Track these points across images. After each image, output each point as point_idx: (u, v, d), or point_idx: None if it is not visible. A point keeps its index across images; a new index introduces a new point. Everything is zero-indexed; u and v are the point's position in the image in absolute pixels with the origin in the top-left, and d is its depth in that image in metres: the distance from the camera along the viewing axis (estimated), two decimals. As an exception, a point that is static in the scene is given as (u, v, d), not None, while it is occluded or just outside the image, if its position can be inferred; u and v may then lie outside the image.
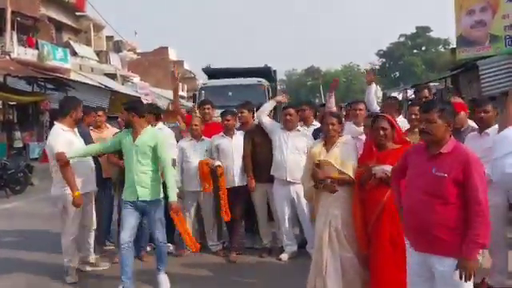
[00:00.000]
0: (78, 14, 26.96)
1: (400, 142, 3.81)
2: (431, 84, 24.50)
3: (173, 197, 4.44)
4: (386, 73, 60.57)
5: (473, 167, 2.65)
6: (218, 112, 10.26)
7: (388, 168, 3.54)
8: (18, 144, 16.15)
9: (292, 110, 5.47)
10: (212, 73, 15.21)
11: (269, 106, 5.78)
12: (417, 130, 3.87)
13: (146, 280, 4.81)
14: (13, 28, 17.78)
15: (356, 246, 3.92)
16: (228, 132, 5.77)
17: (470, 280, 2.64)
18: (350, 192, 3.97)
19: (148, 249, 5.70)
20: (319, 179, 4.02)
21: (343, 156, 4.05)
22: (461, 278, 2.63)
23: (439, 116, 2.77)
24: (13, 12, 17.45)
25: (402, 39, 62.46)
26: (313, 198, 4.26)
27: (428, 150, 2.85)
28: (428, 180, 2.76)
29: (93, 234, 5.30)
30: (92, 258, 5.33)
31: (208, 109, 6.32)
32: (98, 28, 30.39)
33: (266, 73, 14.50)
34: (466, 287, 2.70)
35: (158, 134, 4.63)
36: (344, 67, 70.23)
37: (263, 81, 13.21)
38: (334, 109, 5.59)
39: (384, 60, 63.87)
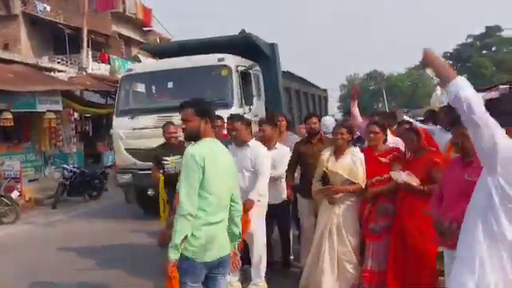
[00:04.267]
0: (145, 29, 28.43)
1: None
2: (501, 86, 23.25)
3: None
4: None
5: None
6: (145, 119, 8.12)
7: (403, 176, 3.86)
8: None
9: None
10: (159, 51, 10.30)
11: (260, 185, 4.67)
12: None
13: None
14: (88, 45, 19.18)
15: (354, 241, 4.32)
16: (266, 143, 5.05)
17: None
18: (354, 194, 4.35)
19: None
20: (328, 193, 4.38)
21: (351, 165, 4.33)
22: None
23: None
24: (88, 31, 18.82)
25: (470, 40, 59.93)
26: (319, 198, 4.58)
27: (463, 160, 3.10)
28: (460, 184, 2.98)
29: None
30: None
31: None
32: (164, 42, 31.81)
33: (247, 46, 8.73)
34: None
35: None
36: (408, 70, 68.25)
37: (229, 59, 8.06)
38: (359, 119, 5.23)
39: (451, 62, 61.56)
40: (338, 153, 4.44)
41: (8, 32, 19.36)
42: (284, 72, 10.41)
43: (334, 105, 54.92)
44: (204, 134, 2.98)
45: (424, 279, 3.86)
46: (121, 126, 8.57)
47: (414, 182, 3.81)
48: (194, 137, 3.01)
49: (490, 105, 2.45)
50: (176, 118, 7.19)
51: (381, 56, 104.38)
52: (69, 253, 6.75)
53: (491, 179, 2.16)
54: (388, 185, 4.15)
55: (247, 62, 8.53)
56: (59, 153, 14.14)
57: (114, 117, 8.90)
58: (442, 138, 4.93)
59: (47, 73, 16.01)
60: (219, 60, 7.99)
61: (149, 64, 9.64)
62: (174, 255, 2.79)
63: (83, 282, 5.47)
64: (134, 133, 8.35)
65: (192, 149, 2.92)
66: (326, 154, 4.50)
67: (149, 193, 8.06)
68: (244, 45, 8.75)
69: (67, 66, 18.89)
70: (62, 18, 21.20)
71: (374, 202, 4.25)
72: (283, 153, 5.23)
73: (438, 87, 11.92)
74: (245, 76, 8.28)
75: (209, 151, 2.93)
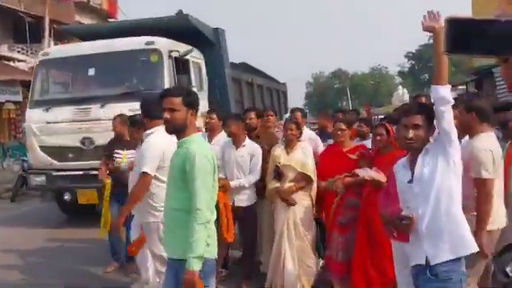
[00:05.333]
0: (110, 20, 27.88)
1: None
2: (460, 87, 24.27)
3: None
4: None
5: None
6: (60, 111, 7.06)
7: (370, 172, 3.98)
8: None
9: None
10: (85, 34, 8.79)
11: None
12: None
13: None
14: (50, 35, 18.67)
15: (310, 236, 4.51)
16: (234, 141, 4.80)
17: None
18: (308, 192, 4.52)
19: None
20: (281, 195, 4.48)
21: (302, 159, 4.50)
22: None
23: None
24: (50, 20, 18.31)
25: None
26: (274, 198, 4.66)
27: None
28: None
29: None
30: None
31: None
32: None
33: (187, 30, 7.76)
34: None
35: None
36: (372, 69, 69.64)
37: (160, 42, 7.01)
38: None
39: (413, 62, 63.11)
40: (288, 148, 4.58)
41: (-35, 18, 18.62)
42: (237, 63, 9.75)
43: (299, 102, 55.50)
44: (190, 127, 2.72)
45: (390, 273, 3.98)
46: (34, 119, 7.34)
47: (382, 178, 3.91)
48: (178, 129, 2.71)
49: None
50: (95, 109, 6.74)
51: (345, 55, 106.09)
52: (24, 248, 6.57)
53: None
54: (357, 178, 4.28)
55: (185, 48, 7.41)
56: (19, 145, 13.76)
57: (28, 108, 7.68)
58: None
59: (6, 62, 15.53)
60: (148, 43, 6.88)
61: (68, 48, 8.33)
62: (198, 266, 2.56)
63: (35, 281, 5.35)
64: (48, 127, 7.20)
65: (199, 149, 2.66)
66: (278, 149, 4.64)
67: (66, 198, 7.39)
68: (184, 29, 7.66)
69: (28, 55, 18.39)
70: (22, 6, 20.53)
71: (342, 195, 4.34)
72: (252, 151, 4.79)
73: (400, 87, 12.11)
74: (182, 63, 7.32)
75: (209, 148, 2.80)
